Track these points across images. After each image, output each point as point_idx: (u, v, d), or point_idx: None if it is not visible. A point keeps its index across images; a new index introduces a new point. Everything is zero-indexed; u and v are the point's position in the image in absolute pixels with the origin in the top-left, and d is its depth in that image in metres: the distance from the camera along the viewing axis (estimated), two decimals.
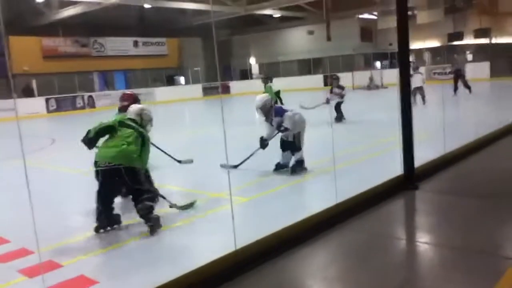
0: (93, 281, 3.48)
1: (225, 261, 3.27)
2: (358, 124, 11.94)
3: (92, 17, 26.01)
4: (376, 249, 3.57)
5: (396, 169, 5.09)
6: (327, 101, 11.64)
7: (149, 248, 4.23)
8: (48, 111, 23.90)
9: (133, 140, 4.78)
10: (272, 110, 6.56)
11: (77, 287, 3.43)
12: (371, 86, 25.95)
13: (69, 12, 24.49)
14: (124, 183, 4.71)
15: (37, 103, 23.44)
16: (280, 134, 6.56)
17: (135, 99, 6.88)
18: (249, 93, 29.63)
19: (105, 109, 18.99)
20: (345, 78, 27.82)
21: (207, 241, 4.33)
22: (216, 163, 7.05)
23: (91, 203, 4.62)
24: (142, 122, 5.09)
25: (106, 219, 4.66)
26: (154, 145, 6.12)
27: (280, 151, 6.62)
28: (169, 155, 7.16)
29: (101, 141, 4.82)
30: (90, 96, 26.41)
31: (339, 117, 11.99)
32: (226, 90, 32.67)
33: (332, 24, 32.54)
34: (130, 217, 5.17)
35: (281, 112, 6.51)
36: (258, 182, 6.29)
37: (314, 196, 5.68)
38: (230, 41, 35.93)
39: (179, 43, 33.83)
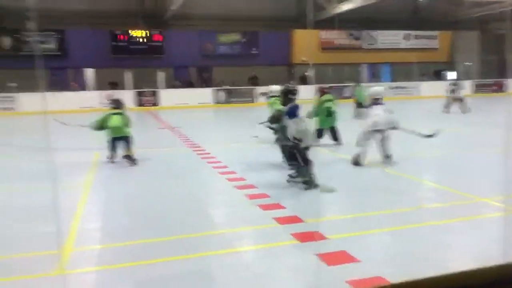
0: (354, 258, 3.81)
1: (486, 274, 3.09)
2: None
3: (366, 11, 26.83)
4: None
5: None
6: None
7: (408, 240, 4.32)
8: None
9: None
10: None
11: (339, 260, 3.79)
12: None
13: (347, 6, 25.89)
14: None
15: (310, 91, 25.85)
16: None
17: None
18: None
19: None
20: None
21: (467, 246, 4.15)
22: (486, 165, 6.55)
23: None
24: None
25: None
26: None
27: None
28: (417, 133, 7.68)
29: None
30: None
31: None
32: (500, 88, 29.20)
33: None
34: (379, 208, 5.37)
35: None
36: None
37: None
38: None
39: (452, 37, 31.68)
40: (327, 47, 28.09)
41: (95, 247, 4.32)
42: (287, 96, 6.51)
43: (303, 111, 6.68)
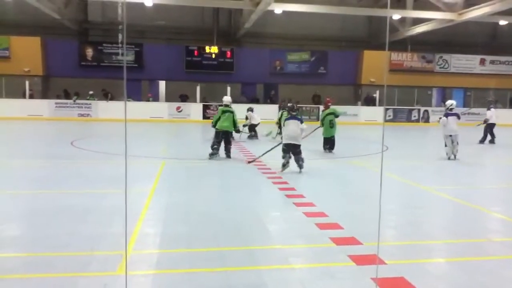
0: (412, 286, 3.69)
1: None
2: None
3: (440, 34, 26.02)
4: None
5: None
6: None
7: (471, 271, 4.11)
8: (385, 120, 25.56)
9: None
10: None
11: (395, 286, 3.69)
12: None
13: (420, 29, 25.25)
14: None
15: (376, 112, 25.44)
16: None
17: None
18: None
19: (435, 125, 18.75)
20: None
21: None
22: None
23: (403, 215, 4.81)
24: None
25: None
26: None
27: None
28: None
29: None
30: (426, 111, 26.73)
31: None
32: None
33: None
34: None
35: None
36: None
37: None
38: None
39: None
40: (397, 69, 27.48)
41: (153, 251, 4.49)
42: (289, 112, 9.58)
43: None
